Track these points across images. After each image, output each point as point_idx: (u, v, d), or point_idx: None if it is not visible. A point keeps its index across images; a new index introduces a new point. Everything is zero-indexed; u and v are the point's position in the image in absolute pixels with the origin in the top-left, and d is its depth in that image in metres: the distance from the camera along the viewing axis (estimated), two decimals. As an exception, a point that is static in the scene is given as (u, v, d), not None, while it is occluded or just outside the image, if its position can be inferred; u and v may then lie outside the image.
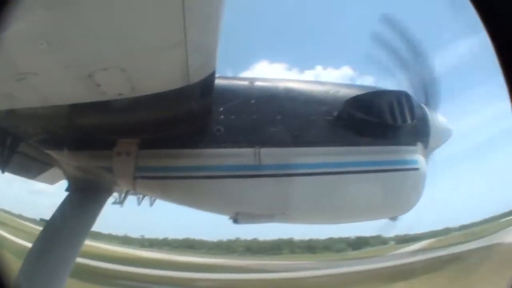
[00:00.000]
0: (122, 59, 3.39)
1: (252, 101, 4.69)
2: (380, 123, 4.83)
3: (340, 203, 4.74)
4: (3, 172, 4.84)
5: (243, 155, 4.52)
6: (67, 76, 3.62)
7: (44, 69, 3.46)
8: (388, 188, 4.86)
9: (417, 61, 5.03)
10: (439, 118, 5.34)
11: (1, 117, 4.24)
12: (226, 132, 4.57)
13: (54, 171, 5.31)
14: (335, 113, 4.74)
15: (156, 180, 4.59)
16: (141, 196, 5.13)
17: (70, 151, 4.61)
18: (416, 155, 4.97)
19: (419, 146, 5.03)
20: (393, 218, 4.98)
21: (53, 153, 4.72)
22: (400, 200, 4.94)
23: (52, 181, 5.87)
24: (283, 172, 4.56)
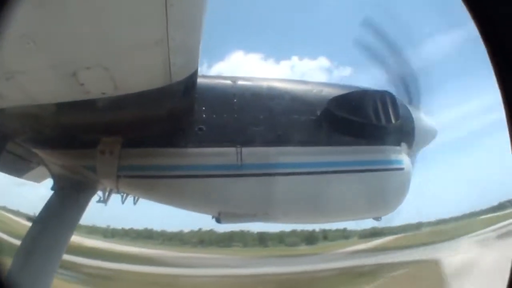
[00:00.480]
0: (105, 58, 3.42)
1: (235, 100, 4.70)
2: (364, 123, 4.83)
3: (323, 203, 4.74)
4: None
5: (225, 154, 4.53)
6: (52, 75, 3.67)
7: (31, 67, 3.51)
8: (372, 188, 4.87)
9: (399, 59, 5.05)
10: (424, 118, 5.35)
11: None
12: (208, 131, 4.58)
13: (40, 169, 5.34)
14: (318, 113, 4.75)
15: (139, 179, 4.60)
16: (124, 195, 5.17)
17: (55, 150, 4.64)
18: (400, 155, 4.98)
19: (404, 146, 5.05)
20: (377, 218, 5.00)
21: (39, 152, 4.76)
22: (384, 200, 4.94)
23: (38, 180, 5.90)
24: (266, 172, 4.57)
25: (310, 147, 4.69)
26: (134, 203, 5.10)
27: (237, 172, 4.51)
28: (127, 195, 5.03)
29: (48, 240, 4.58)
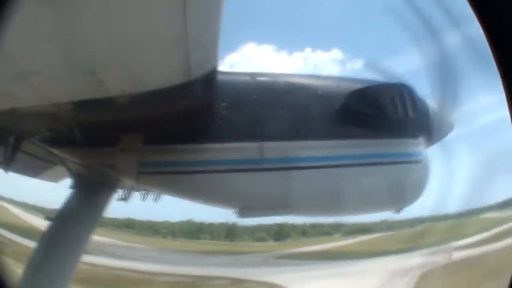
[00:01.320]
0: (124, 56, 3.42)
1: (255, 96, 4.73)
2: (382, 116, 4.88)
3: (343, 196, 4.77)
4: (6, 171, 4.85)
5: (247, 149, 4.56)
6: (70, 74, 3.66)
7: (47, 67, 3.49)
8: (392, 180, 4.89)
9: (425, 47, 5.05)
10: (441, 110, 5.37)
11: (2, 116, 4.26)
12: (229, 127, 4.60)
13: (58, 169, 5.29)
14: (337, 107, 4.78)
15: (160, 175, 4.61)
16: (145, 192, 5.14)
17: (73, 148, 4.62)
18: (418, 148, 5.01)
19: (422, 138, 5.07)
20: (397, 211, 5.01)
21: (57, 151, 4.74)
22: (403, 192, 4.96)
23: (55, 179, 5.85)
24: (287, 166, 4.61)
25: (329, 140, 4.72)
26: (155, 200, 5.08)
27: (258, 166, 4.54)
28: (148, 192, 5.01)
29: (67, 239, 4.55)
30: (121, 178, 4.68)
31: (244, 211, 4.64)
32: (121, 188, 5.00)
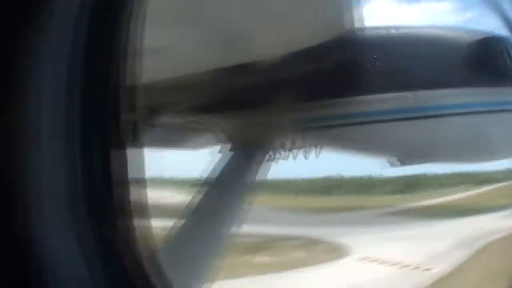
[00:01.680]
0: (263, 25, 3.73)
1: (399, 48, 4.87)
2: (502, 65, 5.03)
3: (482, 142, 4.96)
4: (142, 147, 4.87)
5: (396, 99, 4.68)
6: (210, 45, 3.83)
7: (183, 41, 3.64)
8: None
9: None
10: None
11: (136, 92, 4.33)
12: (375, 79, 4.70)
13: (201, 137, 5.33)
14: (466, 57, 4.94)
15: (314, 131, 4.72)
16: (299, 150, 5.21)
17: (222, 113, 4.72)
18: None
19: None
20: None
21: (203, 119, 4.80)
22: None
23: (198, 147, 5.84)
24: (433, 114, 4.75)
25: (467, 88, 4.86)
26: (306, 158, 5.13)
27: (410, 115, 4.68)
28: (301, 149, 5.09)
29: (221, 206, 4.57)
30: (275, 138, 4.78)
31: (397, 160, 4.78)
32: (276, 148, 5.08)
